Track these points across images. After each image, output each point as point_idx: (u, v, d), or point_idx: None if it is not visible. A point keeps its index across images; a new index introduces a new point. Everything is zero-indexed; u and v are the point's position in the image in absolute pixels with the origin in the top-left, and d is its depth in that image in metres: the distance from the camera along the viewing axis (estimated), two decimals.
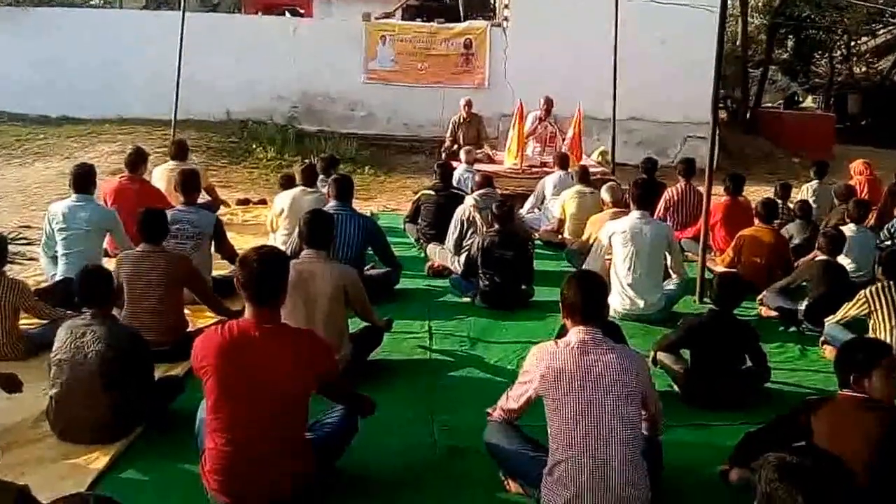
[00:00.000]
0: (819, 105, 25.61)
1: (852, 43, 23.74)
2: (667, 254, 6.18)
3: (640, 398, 3.31)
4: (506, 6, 14.89)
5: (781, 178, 13.61)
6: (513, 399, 3.53)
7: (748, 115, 19.59)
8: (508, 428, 3.64)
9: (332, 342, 4.39)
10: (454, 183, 8.77)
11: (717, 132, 12.11)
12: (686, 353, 4.91)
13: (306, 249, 4.85)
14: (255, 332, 3.30)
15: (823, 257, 6.17)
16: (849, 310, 5.33)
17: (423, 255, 7.97)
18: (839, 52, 23.86)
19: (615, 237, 6.05)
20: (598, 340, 3.34)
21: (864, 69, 24.16)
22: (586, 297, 3.37)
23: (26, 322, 5.36)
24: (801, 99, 26.85)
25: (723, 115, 16.11)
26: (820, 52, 24.05)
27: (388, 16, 15.92)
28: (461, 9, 15.66)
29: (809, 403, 3.48)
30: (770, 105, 23.30)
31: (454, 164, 9.62)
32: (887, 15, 21.04)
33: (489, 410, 3.78)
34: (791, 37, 23.87)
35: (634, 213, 6.13)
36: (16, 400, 4.26)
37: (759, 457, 3.54)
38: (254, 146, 13.50)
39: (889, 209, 8.66)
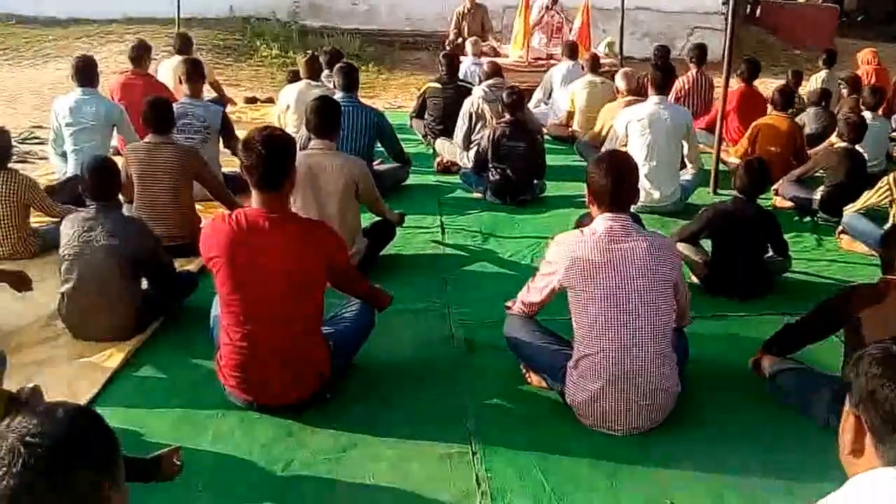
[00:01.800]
0: None
1: None
2: (684, 142, 5.79)
3: (671, 287, 3.01)
4: None
5: (784, 70, 13.10)
6: (534, 291, 3.24)
7: (749, 8, 18.80)
8: (529, 321, 3.38)
9: (345, 236, 4.10)
10: (460, 76, 8.27)
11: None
12: (705, 245, 4.63)
13: (314, 140, 4.50)
14: (263, 221, 2.99)
15: (843, 145, 5.77)
16: (869, 198, 5.00)
17: (430, 151, 7.60)
18: None
19: (632, 125, 5.64)
20: (627, 228, 3.01)
21: None
22: (616, 180, 2.98)
23: (38, 220, 5.08)
24: None
25: (724, 8, 15.36)
26: None
27: None
28: None
29: (849, 291, 3.19)
30: None
31: (460, 57, 9.08)
32: None
33: (508, 304, 3.52)
34: None
35: (653, 99, 5.70)
36: (26, 299, 4.01)
37: (797, 347, 3.34)
38: (258, 43, 12.92)
39: None
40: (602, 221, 3.02)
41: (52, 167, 6.36)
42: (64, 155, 5.93)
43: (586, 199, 3.16)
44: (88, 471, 1.26)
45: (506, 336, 3.43)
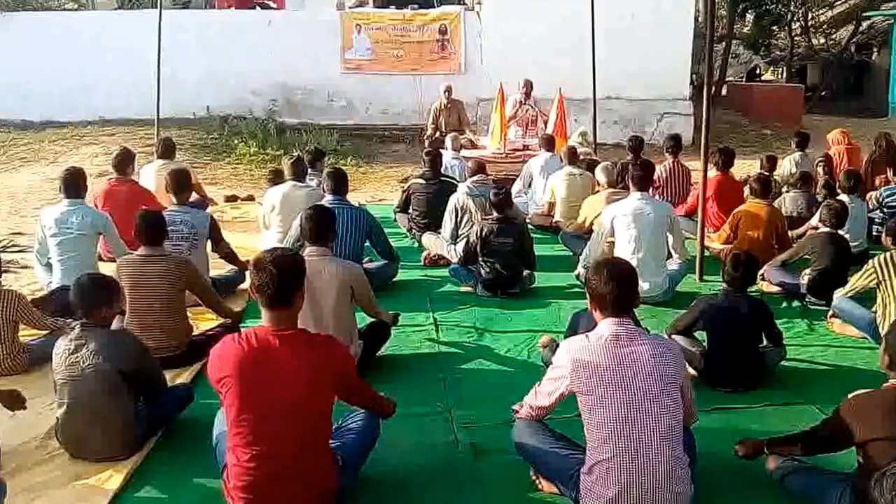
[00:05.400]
0: (778, 77, 25.63)
1: (810, 15, 23.65)
2: (668, 234, 5.96)
3: (678, 390, 3.07)
4: None
5: (754, 150, 13.55)
6: (542, 396, 3.28)
7: (714, 89, 19.47)
8: (537, 426, 3.41)
9: (342, 339, 4.15)
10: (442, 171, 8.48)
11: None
12: (700, 336, 4.72)
13: (310, 247, 4.59)
14: (274, 340, 3.04)
15: (826, 230, 5.94)
16: (857, 281, 5.12)
17: (415, 244, 7.72)
18: (798, 25, 23.76)
19: (618, 220, 5.81)
20: (632, 332, 3.10)
21: (822, 40, 24.09)
22: (618, 287, 3.09)
23: (26, 333, 5.05)
24: (761, 72, 26.89)
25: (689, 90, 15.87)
26: (778, 26, 23.96)
27: (361, 4, 15.53)
28: None
29: (854, 403, 3.12)
30: (732, 79, 23.24)
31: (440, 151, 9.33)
32: None
33: (515, 408, 3.54)
34: (751, 11, 23.76)
35: (635, 195, 5.89)
36: (21, 418, 3.99)
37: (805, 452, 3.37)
38: (236, 142, 13.13)
39: (871, 178, 8.50)
40: (607, 326, 3.10)
41: (34, 276, 6.35)
42: (48, 265, 5.93)
43: (588, 305, 3.24)
44: None
45: (515, 442, 3.45)
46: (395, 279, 6.58)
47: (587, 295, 3.24)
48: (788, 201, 7.53)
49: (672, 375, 3.04)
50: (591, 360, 3.03)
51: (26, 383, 4.46)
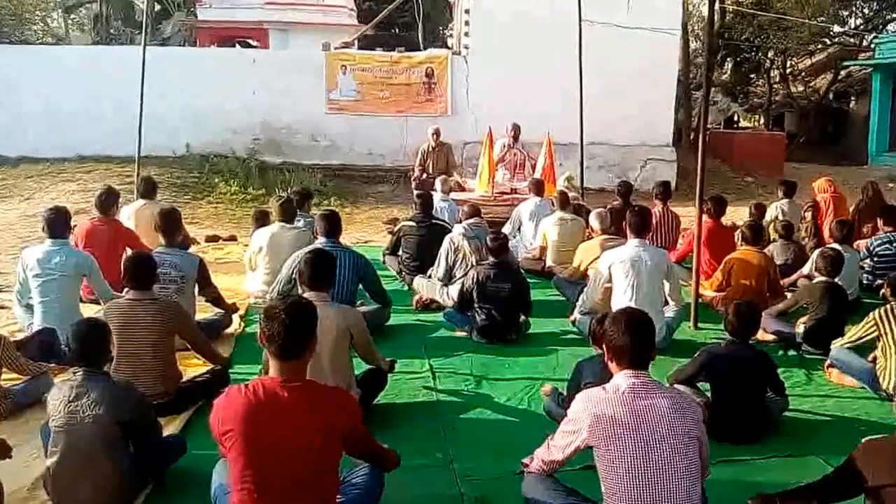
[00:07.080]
0: (756, 124, 26.16)
1: (788, 63, 24.23)
2: (664, 281, 5.99)
3: (696, 444, 3.05)
4: (465, 34, 14.76)
5: (737, 198, 13.75)
6: (556, 450, 3.23)
7: (692, 136, 19.73)
8: (548, 480, 3.36)
9: (340, 386, 4.10)
10: None
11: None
12: (702, 386, 4.72)
13: (308, 291, 4.55)
14: (283, 392, 2.96)
15: (823, 279, 6.02)
16: (857, 332, 5.18)
17: (405, 287, 7.68)
18: (777, 72, 24.34)
19: (615, 267, 5.82)
20: (650, 384, 3.08)
21: (801, 88, 24.66)
22: (636, 338, 3.07)
23: (6, 378, 4.93)
24: (739, 119, 27.44)
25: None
26: (757, 73, 24.53)
27: (346, 46, 15.69)
28: (420, 38, 15.51)
29: (867, 448, 3.15)
30: (710, 126, 23.62)
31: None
32: (829, 32, 21.57)
33: (525, 461, 3.49)
34: (729, 59, 24.31)
35: (633, 242, 5.92)
36: (5, 467, 3.84)
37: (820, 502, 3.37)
38: (216, 180, 13.10)
39: (859, 227, 8.64)
40: (624, 378, 3.07)
41: (12, 316, 6.25)
42: (28, 306, 5.81)
43: (605, 356, 3.22)
44: None
45: (526, 497, 3.39)
46: (387, 323, 6.52)
47: (603, 346, 3.22)
48: (778, 250, 7.61)
49: (691, 429, 3.02)
50: (610, 413, 3.00)
51: (10, 430, 4.36)
